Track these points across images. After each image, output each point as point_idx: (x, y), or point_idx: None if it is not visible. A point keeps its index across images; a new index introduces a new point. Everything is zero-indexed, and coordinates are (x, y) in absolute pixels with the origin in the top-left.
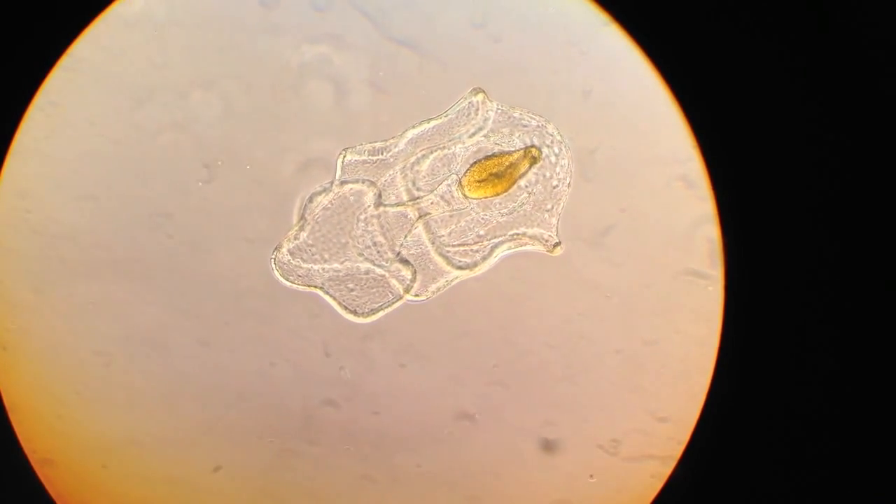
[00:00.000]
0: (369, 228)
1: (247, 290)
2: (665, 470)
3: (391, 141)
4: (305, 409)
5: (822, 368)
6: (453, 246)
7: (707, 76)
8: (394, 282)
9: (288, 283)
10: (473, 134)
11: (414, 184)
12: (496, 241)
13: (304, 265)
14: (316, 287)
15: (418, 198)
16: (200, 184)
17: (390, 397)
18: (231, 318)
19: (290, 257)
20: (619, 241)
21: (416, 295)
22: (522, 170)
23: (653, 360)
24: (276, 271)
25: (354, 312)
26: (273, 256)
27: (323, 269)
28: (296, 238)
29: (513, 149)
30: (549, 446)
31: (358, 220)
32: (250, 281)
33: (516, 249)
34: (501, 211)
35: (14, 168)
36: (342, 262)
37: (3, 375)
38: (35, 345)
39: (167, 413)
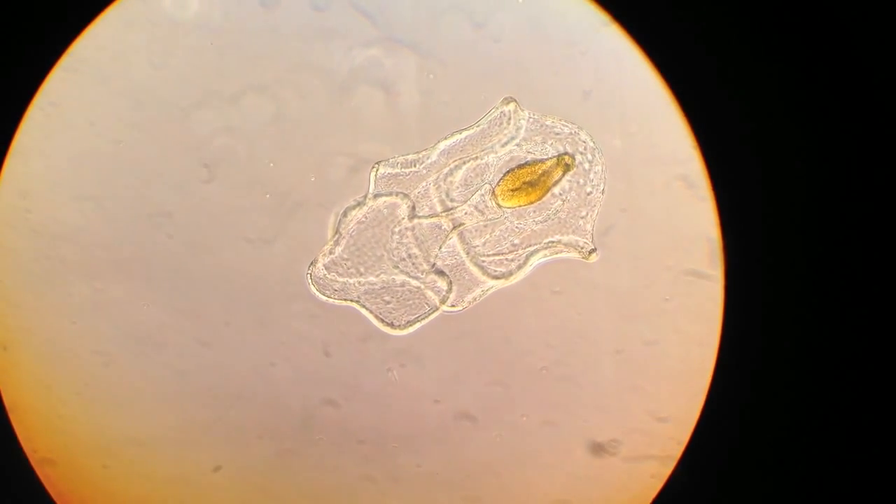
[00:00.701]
0: (404, 241)
1: (247, 290)
2: (665, 470)
3: (424, 153)
4: (305, 409)
5: (823, 368)
6: (488, 255)
7: (707, 76)
8: (430, 293)
9: (324, 298)
10: (506, 143)
11: (447, 195)
12: (531, 249)
13: (340, 279)
14: (352, 301)
15: (452, 208)
16: (268, 196)
17: (390, 397)
18: (231, 318)
19: (325, 272)
20: (619, 241)
21: (453, 305)
22: (556, 177)
23: (653, 360)
24: (312, 286)
25: (391, 325)
26: (309, 272)
27: (358, 282)
28: (331, 253)
29: (545, 157)
30: (598, 449)
31: (392, 233)
32: (250, 281)
33: (551, 257)
34: (536, 219)
35: (14, 168)
36: (377, 275)
37: (3, 375)
38: (35, 345)
39: (167, 413)
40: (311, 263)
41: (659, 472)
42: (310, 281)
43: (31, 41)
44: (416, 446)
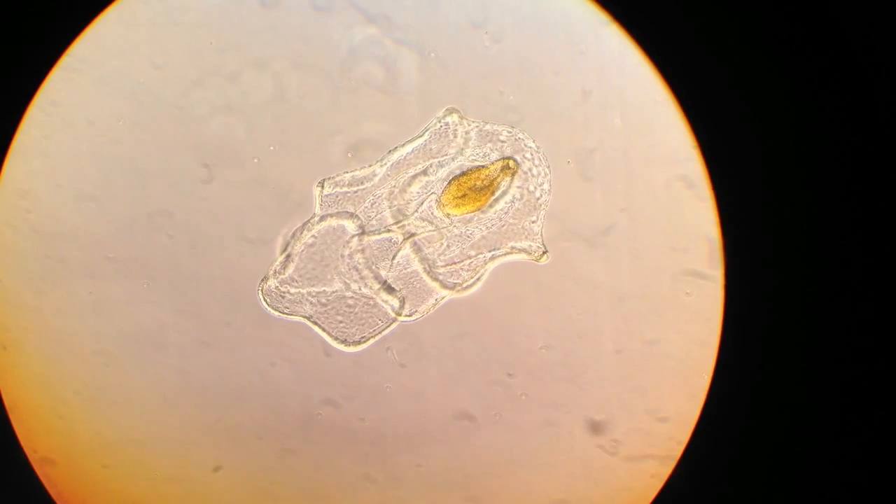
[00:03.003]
0: (354, 259)
1: (247, 290)
2: (665, 470)
3: (368, 168)
4: (305, 409)
5: (824, 368)
6: (440, 265)
7: (707, 76)
8: (383, 308)
9: (276, 313)
10: (449, 153)
11: (394, 208)
12: (483, 255)
13: (292, 293)
14: (304, 317)
15: (400, 222)
16: (272, 148)
17: (390, 397)
18: (231, 318)
19: (276, 287)
20: (619, 241)
21: (408, 315)
22: (500, 182)
23: (653, 360)
24: (263, 301)
25: (345, 342)
26: (260, 287)
27: (310, 302)
28: (281, 273)
29: (488, 162)
30: (596, 428)
31: (342, 253)
32: (251, 281)
33: (504, 260)
34: (485, 225)
35: (14, 167)
36: (329, 295)
37: (3, 375)
38: (35, 345)
39: (167, 413)
40: (263, 279)
41: (659, 472)
42: (261, 296)
43: (31, 41)
44: (416, 446)
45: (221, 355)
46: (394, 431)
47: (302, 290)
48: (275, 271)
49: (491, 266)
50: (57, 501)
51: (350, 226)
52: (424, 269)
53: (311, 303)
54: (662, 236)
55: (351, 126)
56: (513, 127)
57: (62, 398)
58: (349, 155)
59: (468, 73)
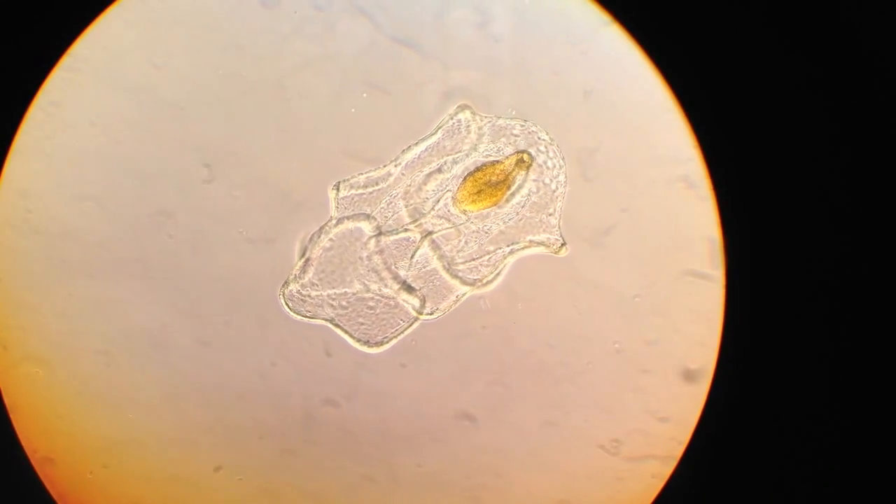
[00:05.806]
0: (372, 260)
1: (247, 290)
2: (666, 470)
3: (383, 169)
4: (305, 409)
5: (823, 368)
6: (459, 262)
7: (707, 76)
8: (404, 308)
9: (298, 317)
10: (463, 149)
11: (410, 207)
12: (501, 250)
13: (313, 297)
14: (326, 320)
15: (416, 220)
16: (364, 95)
17: (390, 397)
18: (231, 318)
19: (298, 292)
20: (619, 241)
21: (430, 314)
22: (515, 176)
23: (653, 360)
24: (285, 305)
25: (367, 343)
26: (282, 291)
27: (331, 305)
28: (301, 277)
29: (502, 157)
30: (691, 376)
31: (360, 254)
32: (250, 281)
33: (523, 254)
34: (502, 220)
35: (15, 168)
36: (350, 298)
37: (3, 375)
38: (35, 345)
39: (167, 413)
40: (284, 283)
41: (660, 472)
42: (283, 300)
43: (31, 41)
44: (417, 446)
45: (221, 355)
46: (394, 431)
47: (322, 293)
48: (295, 276)
49: (510, 260)
50: (57, 501)
51: (367, 227)
52: (443, 266)
53: (331, 306)
54: (663, 236)
55: (441, 74)
56: (525, 120)
57: (62, 398)
58: (364, 95)
59: (467, 73)
